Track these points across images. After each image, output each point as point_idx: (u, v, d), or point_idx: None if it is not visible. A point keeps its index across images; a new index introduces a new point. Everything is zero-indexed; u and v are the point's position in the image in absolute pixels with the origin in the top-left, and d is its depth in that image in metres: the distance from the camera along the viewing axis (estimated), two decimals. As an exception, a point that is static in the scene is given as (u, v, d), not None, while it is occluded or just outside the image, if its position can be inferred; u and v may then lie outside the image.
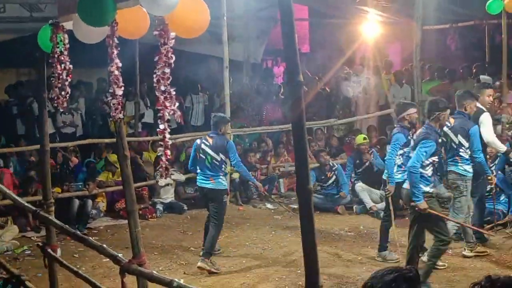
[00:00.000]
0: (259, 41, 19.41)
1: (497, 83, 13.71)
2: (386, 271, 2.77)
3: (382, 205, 11.78)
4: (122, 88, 5.30)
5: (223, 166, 9.74)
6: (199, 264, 9.17)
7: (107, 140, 13.10)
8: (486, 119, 9.62)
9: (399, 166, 8.98)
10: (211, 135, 9.80)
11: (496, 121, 13.09)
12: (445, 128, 8.86)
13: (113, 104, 5.29)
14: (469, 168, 9.04)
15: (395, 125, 9.63)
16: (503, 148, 10.05)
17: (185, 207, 13.06)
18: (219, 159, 9.61)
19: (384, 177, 9.59)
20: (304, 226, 3.72)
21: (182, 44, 15.56)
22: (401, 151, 8.94)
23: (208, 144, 9.67)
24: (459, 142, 9.02)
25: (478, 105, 9.63)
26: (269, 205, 13.39)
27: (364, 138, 13.22)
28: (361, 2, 16.49)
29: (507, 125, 12.97)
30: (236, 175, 13.77)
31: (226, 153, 9.68)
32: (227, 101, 13.48)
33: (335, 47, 21.04)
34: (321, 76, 18.80)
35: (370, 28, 17.08)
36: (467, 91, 9.88)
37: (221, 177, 9.65)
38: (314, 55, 23.12)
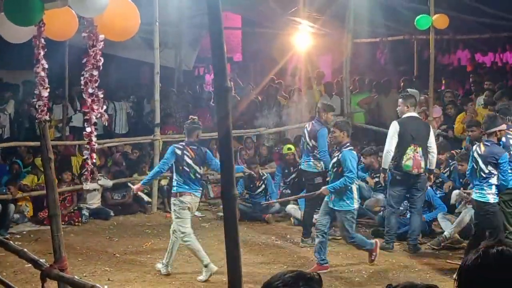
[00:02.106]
0: (191, 48, 19.35)
1: (422, 97, 13.99)
2: (288, 271, 2.85)
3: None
4: (48, 90, 5.22)
5: (315, 151, 10.80)
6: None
7: (32, 143, 12.83)
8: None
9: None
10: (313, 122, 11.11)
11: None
12: None
13: (39, 106, 5.20)
14: None
15: (484, 142, 9.05)
16: (386, 165, 10.51)
17: (112, 213, 12.88)
18: (310, 145, 10.90)
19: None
20: (228, 232, 3.71)
21: (113, 49, 15.50)
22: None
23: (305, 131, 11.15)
24: None
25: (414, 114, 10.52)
26: (197, 213, 13.30)
27: (289, 149, 13.35)
28: (293, 13, 16.61)
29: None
30: (164, 182, 13.69)
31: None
32: (156, 107, 13.40)
33: (267, 57, 21.18)
34: (253, 85, 18.88)
35: (302, 39, 17.23)
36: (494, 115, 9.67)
37: (311, 160, 10.89)
38: (247, 64, 23.23)
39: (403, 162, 10.23)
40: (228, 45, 22.25)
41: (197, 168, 9.29)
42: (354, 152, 9.39)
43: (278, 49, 19.32)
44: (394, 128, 10.38)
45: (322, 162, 10.75)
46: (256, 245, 10.95)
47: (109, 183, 13.18)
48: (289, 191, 13.10)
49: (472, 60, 20.87)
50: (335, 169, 9.35)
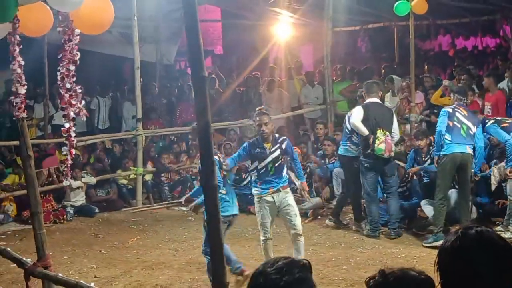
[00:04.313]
0: (171, 42, 19.27)
1: (404, 83, 13.99)
2: (279, 258, 2.77)
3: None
4: (25, 87, 5.16)
5: (353, 135, 10.90)
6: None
7: (13, 142, 12.74)
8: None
9: None
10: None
11: (405, 121, 13.41)
12: None
13: (16, 103, 5.15)
14: None
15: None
16: (366, 132, 10.47)
17: (96, 210, 12.85)
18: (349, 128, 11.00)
19: None
20: (210, 221, 3.68)
21: (93, 45, 15.41)
22: None
23: None
24: None
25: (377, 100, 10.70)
26: (182, 207, 13.30)
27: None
28: (273, 4, 16.56)
29: (415, 124, 13.27)
30: (148, 177, 13.64)
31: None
32: (138, 102, 13.34)
33: (248, 48, 21.12)
34: (236, 77, 18.85)
35: (283, 30, 17.20)
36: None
37: (347, 145, 11.09)
38: (228, 56, 23.15)
39: (376, 145, 10.32)
40: (209, 38, 22.22)
41: None
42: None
43: (259, 40, 19.28)
44: (358, 111, 10.62)
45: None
46: (242, 237, 10.93)
47: (93, 180, 13.12)
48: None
49: (453, 45, 20.92)
50: None
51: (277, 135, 8.75)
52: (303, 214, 12.04)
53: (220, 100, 16.50)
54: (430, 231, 10.30)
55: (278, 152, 8.43)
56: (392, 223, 10.60)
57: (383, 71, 16.21)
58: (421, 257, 9.43)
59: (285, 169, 8.55)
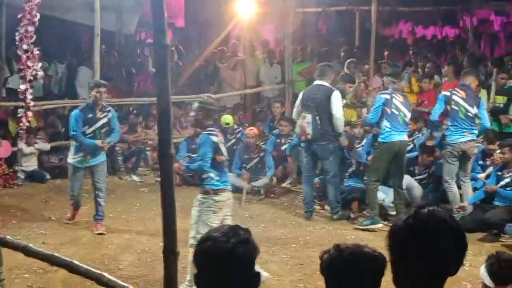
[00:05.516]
0: (133, 12, 19.02)
1: (366, 66, 14.09)
2: (223, 225, 2.86)
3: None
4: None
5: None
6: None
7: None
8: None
9: None
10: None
11: (362, 104, 13.53)
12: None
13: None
14: None
15: None
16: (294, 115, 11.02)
17: (48, 176, 12.71)
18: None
19: None
20: (165, 191, 3.68)
21: (52, 9, 15.16)
22: None
23: None
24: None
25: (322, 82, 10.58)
26: (135, 178, 13.25)
27: (227, 124, 12.34)
28: (238, -21, 16.48)
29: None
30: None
31: None
32: (96, 70, 13.16)
33: (210, 23, 20.99)
34: (196, 51, 18.77)
35: (246, 6, 17.14)
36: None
37: None
38: (189, 30, 22.99)
39: (295, 129, 10.78)
40: (171, 10, 21.99)
41: None
42: None
43: (222, 15, 19.18)
44: (299, 97, 10.86)
45: None
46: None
47: (46, 146, 12.98)
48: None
49: (412, 33, 21.11)
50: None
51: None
52: (256, 192, 12.12)
53: (180, 74, 16.40)
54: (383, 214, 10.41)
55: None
56: (332, 207, 10.65)
57: (342, 54, 16.30)
58: (369, 239, 9.52)
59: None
